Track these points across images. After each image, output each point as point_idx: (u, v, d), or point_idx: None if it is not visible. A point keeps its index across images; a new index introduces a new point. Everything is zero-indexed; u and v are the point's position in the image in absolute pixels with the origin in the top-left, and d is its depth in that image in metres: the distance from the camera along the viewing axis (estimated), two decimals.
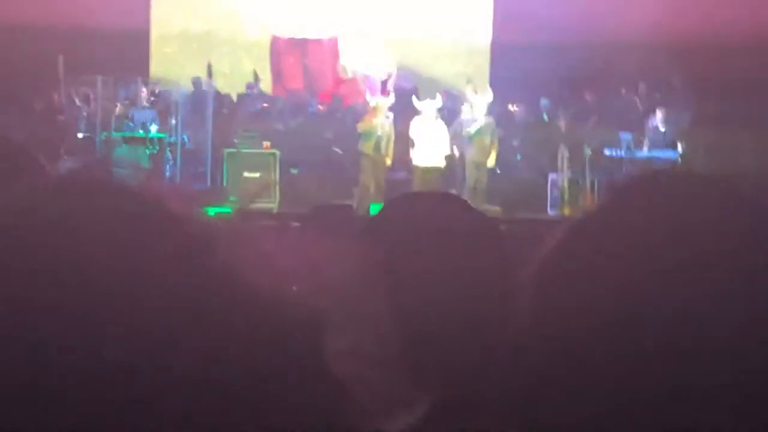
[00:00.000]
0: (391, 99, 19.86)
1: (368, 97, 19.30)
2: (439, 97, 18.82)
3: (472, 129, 17.87)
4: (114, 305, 0.80)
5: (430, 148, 17.65)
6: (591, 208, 1.15)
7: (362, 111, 19.45)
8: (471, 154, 17.85)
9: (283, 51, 23.54)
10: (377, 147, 17.75)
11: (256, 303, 0.82)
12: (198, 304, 0.81)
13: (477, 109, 18.47)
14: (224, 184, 18.25)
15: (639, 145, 19.53)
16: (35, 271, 0.80)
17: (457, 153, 18.08)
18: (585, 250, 1.09)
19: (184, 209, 0.88)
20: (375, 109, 18.45)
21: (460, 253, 1.80)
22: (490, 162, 18.04)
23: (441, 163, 17.82)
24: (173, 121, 18.79)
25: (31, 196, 0.86)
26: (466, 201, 2.15)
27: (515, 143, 19.95)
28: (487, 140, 17.95)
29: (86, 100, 19.02)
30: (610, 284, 1.05)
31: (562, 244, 1.11)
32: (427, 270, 1.76)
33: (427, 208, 1.90)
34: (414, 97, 20.01)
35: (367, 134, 17.82)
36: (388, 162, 18.08)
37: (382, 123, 17.89)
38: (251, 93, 22.09)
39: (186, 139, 19.18)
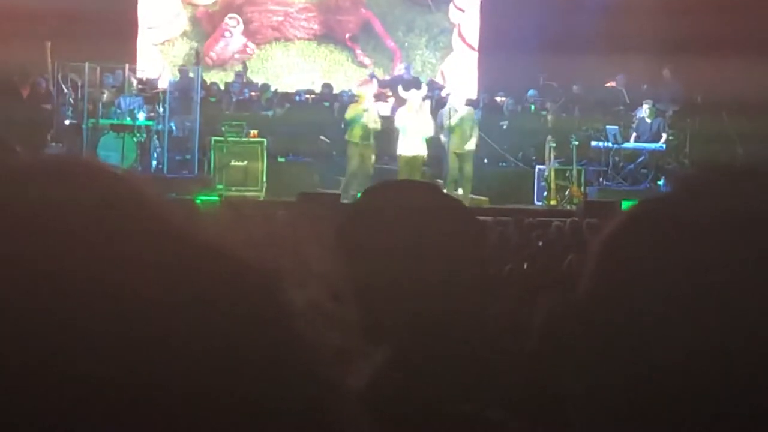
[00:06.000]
0: (374, 87, 19.89)
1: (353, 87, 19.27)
2: (424, 86, 18.78)
3: (453, 119, 17.82)
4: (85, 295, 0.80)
5: (414, 137, 17.58)
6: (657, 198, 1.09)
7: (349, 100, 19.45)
8: (452, 144, 17.81)
9: None
10: (364, 135, 17.62)
11: (216, 271, 0.82)
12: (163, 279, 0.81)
13: (458, 99, 18.47)
14: (211, 172, 18.20)
15: (626, 136, 19.55)
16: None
17: (440, 142, 18.03)
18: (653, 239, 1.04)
19: (152, 192, 0.88)
20: (359, 96, 18.42)
21: (430, 237, 1.86)
22: (473, 148, 17.95)
23: (425, 153, 17.74)
24: (160, 109, 18.71)
25: None
26: (440, 189, 2.23)
27: (502, 134, 19.93)
28: (468, 130, 17.89)
29: (73, 86, 18.91)
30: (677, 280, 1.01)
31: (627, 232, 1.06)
32: (401, 253, 1.82)
33: (403, 197, 1.97)
34: (400, 87, 20.00)
35: (354, 122, 17.69)
36: (375, 150, 17.97)
37: (367, 110, 17.75)
38: (239, 81, 22.03)
39: (173, 127, 19.11)
